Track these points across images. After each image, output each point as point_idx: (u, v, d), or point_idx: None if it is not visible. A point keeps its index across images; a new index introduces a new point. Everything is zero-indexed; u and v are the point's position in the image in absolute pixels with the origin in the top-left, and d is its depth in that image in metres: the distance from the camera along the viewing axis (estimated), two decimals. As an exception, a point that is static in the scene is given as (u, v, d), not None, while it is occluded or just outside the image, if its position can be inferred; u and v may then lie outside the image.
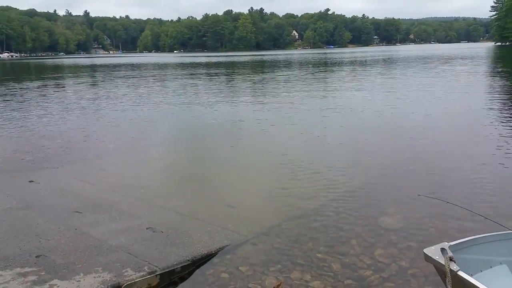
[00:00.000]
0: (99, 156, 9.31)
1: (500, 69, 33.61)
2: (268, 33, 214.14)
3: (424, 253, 3.01)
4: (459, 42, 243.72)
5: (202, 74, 38.12)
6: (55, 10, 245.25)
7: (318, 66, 45.13)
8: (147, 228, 5.09)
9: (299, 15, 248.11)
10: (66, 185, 7.01)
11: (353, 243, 4.85)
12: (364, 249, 4.70)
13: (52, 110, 16.52)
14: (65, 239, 4.80)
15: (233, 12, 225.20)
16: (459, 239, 4.65)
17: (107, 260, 4.26)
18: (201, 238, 4.82)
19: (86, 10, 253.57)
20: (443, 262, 2.81)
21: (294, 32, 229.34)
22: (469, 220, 5.10)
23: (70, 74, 43.66)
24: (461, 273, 2.70)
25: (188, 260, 4.32)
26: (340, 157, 8.69)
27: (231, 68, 46.62)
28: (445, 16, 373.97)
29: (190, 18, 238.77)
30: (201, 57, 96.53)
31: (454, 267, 2.75)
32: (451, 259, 2.80)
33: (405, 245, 4.77)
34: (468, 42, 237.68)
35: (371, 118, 12.82)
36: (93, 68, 57.81)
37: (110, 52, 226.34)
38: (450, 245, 3.00)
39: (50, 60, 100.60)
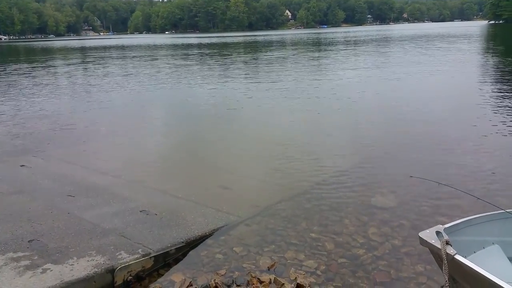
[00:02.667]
0: (91, 139, 9.22)
1: (493, 47, 33.58)
2: (260, 13, 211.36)
3: (420, 236, 2.96)
4: (452, 20, 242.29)
5: (195, 55, 37.73)
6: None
7: (313, 46, 44.79)
8: (140, 211, 5.07)
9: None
10: (58, 169, 6.96)
11: (346, 222, 4.87)
12: (358, 228, 4.73)
13: (43, 93, 16.32)
14: (58, 223, 4.77)
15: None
16: (452, 217, 4.71)
17: (100, 244, 4.24)
18: (195, 220, 4.82)
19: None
20: (439, 246, 2.77)
21: (287, 11, 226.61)
22: (461, 200, 5.12)
23: (60, 57, 43.05)
24: (458, 257, 2.67)
25: (182, 242, 4.32)
26: (334, 138, 8.69)
27: (224, 49, 46.15)
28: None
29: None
30: (193, 38, 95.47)
31: (450, 250, 2.71)
32: (447, 243, 2.76)
33: (398, 223, 4.80)
34: (461, 20, 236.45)
35: (365, 99, 12.79)
36: (83, 50, 57.02)
37: (101, 33, 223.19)
38: (445, 228, 2.97)
39: (40, 43, 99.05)
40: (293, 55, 33.03)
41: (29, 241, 4.30)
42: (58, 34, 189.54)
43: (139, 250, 4.09)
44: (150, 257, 4.03)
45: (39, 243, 4.27)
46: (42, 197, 5.62)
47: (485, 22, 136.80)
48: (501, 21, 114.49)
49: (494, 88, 13.39)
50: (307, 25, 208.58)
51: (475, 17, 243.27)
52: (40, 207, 5.26)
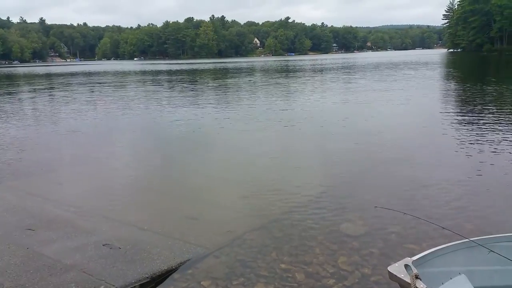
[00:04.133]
0: (54, 169, 8.91)
1: (453, 74, 35.12)
2: (229, 40, 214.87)
3: (389, 271, 2.93)
4: (414, 49, 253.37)
5: (164, 81, 37.61)
6: (8, 17, 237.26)
7: (281, 73, 45.51)
8: (103, 245, 4.87)
9: (260, 23, 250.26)
10: (18, 201, 6.65)
11: (316, 251, 4.83)
12: (327, 257, 4.69)
13: (4, 120, 15.78)
14: (15, 259, 4.52)
15: (194, 20, 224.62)
16: (419, 245, 4.76)
17: (60, 281, 4.04)
18: (161, 253, 4.66)
19: (42, 18, 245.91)
20: (409, 281, 2.75)
21: (256, 39, 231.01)
22: (427, 229, 5.14)
23: (24, 83, 42.02)
24: None
25: (147, 277, 4.16)
26: (302, 165, 8.70)
27: (193, 76, 46.25)
28: (401, 24, 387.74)
29: (151, 25, 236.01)
30: (162, 65, 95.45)
31: (420, 285, 2.69)
32: (417, 277, 2.74)
33: (367, 251, 4.78)
34: (422, 48, 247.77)
35: (333, 125, 12.96)
36: (48, 77, 55.94)
37: (67, 60, 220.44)
38: (413, 260, 2.96)
39: (3, 69, 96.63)
40: (263, 81, 33.40)
41: (-18, 281, 4.04)
42: (23, 60, 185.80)
43: (102, 287, 3.91)
44: (113, 295, 3.85)
45: (-7, 282, 4.02)
46: (-1, 232, 5.33)
47: (445, 50, 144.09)
48: (459, 50, 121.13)
49: (457, 114, 13.85)
50: (275, 53, 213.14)
51: (435, 45, 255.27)
52: (-4, 242, 4.98)
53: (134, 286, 4.02)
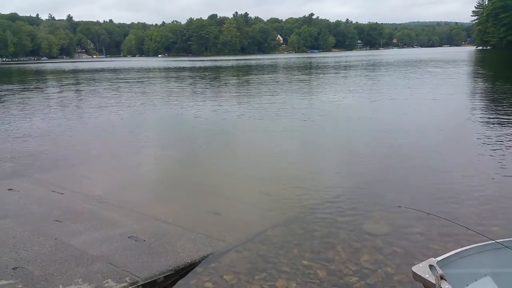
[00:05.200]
0: (81, 163, 9.12)
1: (482, 72, 34.24)
2: (252, 37, 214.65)
3: (413, 271, 2.91)
4: (441, 46, 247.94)
5: (188, 78, 37.92)
6: (37, 14, 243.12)
7: (304, 70, 45.28)
8: (129, 237, 4.97)
9: (284, 20, 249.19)
10: (46, 193, 6.84)
11: (338, 249, 4.81)
12: (350, 255, 4.66)
13: (33, 114, 16.22)
14: (44, 249, 4.66)
15: (218, 17, 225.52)
16: (443, 246, 4.68)
17: (87, 271, 4.14)
18: (185, 247, 4.73)
19: (69, 15, 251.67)
20: (433, 281, 2.72)
21: (279, 36, 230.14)
22: (451, 230, 5.04)
23: (51, 79, 43.04)
24: None
25: (171, 270, 4.23)
26: (325, 163, 8.68)
27: (216, 73, 46.48)
28: (428, 21, 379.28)
29: (175, 22, 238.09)
30: (186, 61, 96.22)
31: (445, 286, 2.66)
32: (442, 278, 2.71)
33: (391, 250, 4.74)
34: (450, 46, 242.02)
35: (357, 123, 12.85)
36: (75, 72, 57.11)
37: (94, 56, 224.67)
38: (438, 261, 2.93)
39: (32, 65, 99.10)
40: (286, 78, 33.29)
41: (13, 269, 4.18)
42: (51, 57, 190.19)
43: (127, 278, 3.99)
44: (138, 286, 3.93)
45: (24, 270, 4.15)
46: (29, 222, 5.50)
47: (473, 47, 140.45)
48: (488, 47, 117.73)
49: (486, 115, 13.46)
50: (298, 50, 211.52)
51: (463, 43, 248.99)
52: (27, 232, 5.15)
53: (158, 278, 4.09)
